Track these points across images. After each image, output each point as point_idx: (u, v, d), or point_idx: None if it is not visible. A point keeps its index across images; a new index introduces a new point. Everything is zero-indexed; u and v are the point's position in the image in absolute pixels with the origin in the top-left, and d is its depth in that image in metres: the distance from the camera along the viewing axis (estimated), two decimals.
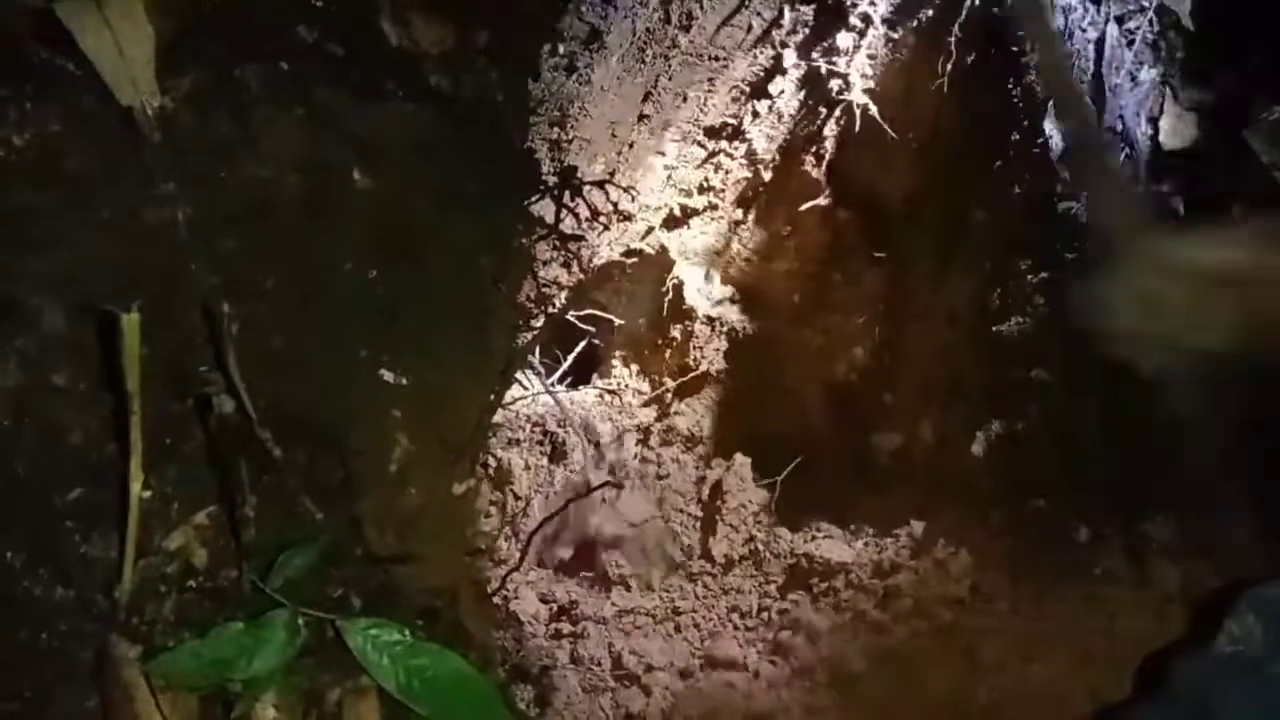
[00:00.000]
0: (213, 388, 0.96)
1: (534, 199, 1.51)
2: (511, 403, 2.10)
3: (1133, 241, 0.98)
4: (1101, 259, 1.00)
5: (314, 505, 1.06)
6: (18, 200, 1.02)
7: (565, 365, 2.38)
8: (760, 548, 2.07)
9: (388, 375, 1.29)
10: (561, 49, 1.69)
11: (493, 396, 1.50)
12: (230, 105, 1.14)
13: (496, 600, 1.78)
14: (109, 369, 0.93)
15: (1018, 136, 1.82)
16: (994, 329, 1.96)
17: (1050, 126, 1.86)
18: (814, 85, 1.96)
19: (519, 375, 2.14)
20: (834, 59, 1.90)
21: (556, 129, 1.79)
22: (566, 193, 1.59)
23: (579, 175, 1.65)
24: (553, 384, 2.30)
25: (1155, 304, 0.94)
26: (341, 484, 1.13)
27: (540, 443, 2.31)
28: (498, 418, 2.06)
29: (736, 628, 1.95)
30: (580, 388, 2.44)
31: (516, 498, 2.22)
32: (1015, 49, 1.79)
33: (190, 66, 1.13)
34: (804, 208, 2.12)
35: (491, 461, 2.10)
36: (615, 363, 2.45)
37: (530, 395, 2.17)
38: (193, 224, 1.08)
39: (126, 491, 0.94)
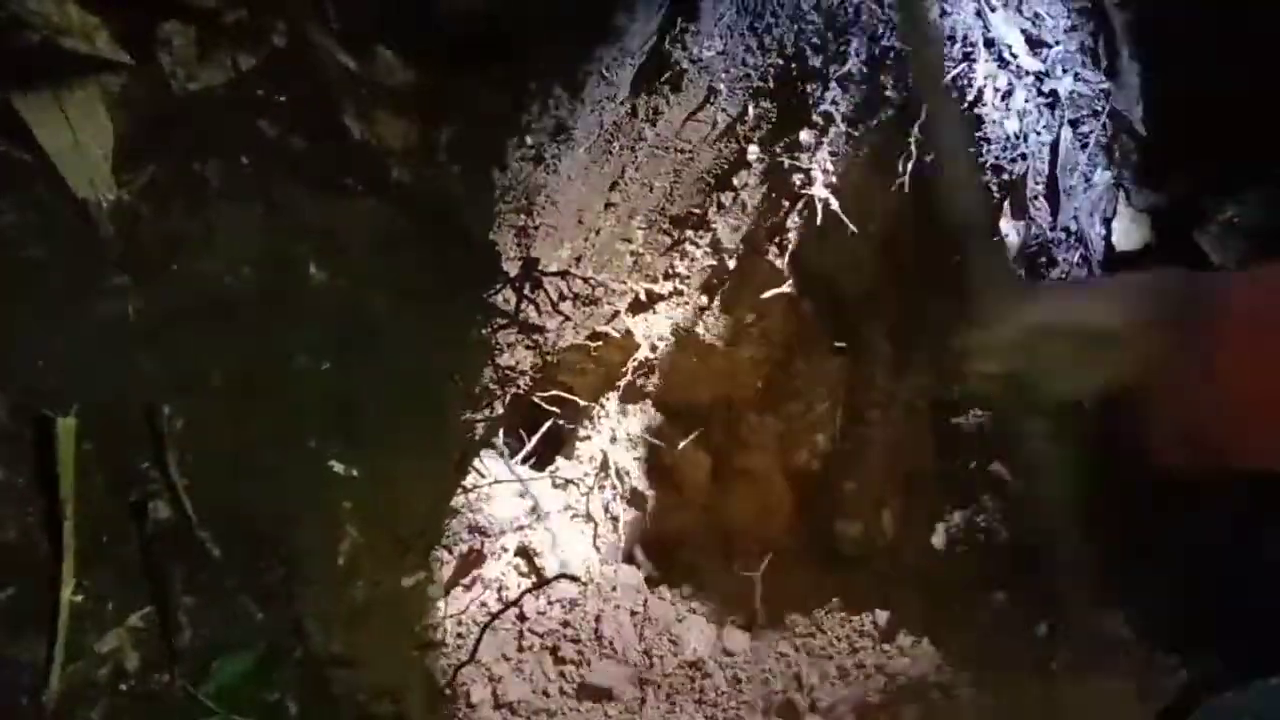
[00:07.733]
0: (151, 487, 0.94)
1: (495, 290, 1.52)
2: (472, 488, 2.08)
3: (1004, 294, 0.97)
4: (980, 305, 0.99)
5: (254, 605, 1.04)
6: None
7: (529, 446, 2.36)
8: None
9: (338, 466, 1.28)
10: (529, 140, 1.71)
11: (447, 486, 1.49)
12: (188, 199, 1.15)
13: (447, 693, 1.74)
14: (45, 470, 0.92)
15: None
16: (951, 421, 1.99)
17: (1006, 226, 1.90)
18: (777, 179, 1.99)
19: (481, 459, 2.12)
20: (797, 154, 1.94)
21: (523, 216, 1.80)
22: (527, 284, 1.60)
23: (540, 266, 1.66)
24: (516, 464, 2.28)
25: (1025, 354, 0.94)
26: (283, 581, 1.11)
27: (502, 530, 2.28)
28: (457, 502, 2.04)
29: None
30: (545, 469, 2.42)
31: (484, 587, 2.18)
32: (972, 149, 1.84)
33: (150, 160, 1.14)
34: (766, 295, 2.13)
35: (449, 548, 2.07)
36: (579, 445, 2.43)
37: (491, 480, 2.15)
38: (144, 317, 1.08)
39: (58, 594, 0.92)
